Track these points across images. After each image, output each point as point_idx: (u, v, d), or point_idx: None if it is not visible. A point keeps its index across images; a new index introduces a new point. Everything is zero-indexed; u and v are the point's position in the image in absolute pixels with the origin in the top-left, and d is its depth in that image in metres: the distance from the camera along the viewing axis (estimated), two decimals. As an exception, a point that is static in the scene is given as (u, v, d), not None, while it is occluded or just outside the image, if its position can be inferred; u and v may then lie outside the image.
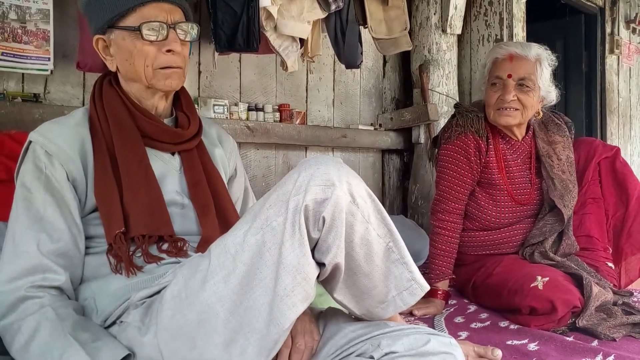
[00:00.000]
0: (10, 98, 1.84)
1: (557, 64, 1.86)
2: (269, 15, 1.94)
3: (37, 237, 1.03)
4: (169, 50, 1.12)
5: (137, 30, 1.10)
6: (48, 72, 1.81)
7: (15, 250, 1.03)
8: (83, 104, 2.03)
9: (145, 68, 1.13)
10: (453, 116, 1.93)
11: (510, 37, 3.03)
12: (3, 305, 1.00)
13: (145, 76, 1.14)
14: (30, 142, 1.10)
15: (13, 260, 1.02)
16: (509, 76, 1.77)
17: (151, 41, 1.11)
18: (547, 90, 1.83)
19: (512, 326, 1.60)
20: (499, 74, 1.79)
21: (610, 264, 1.86)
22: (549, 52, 1.85)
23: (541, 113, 1.87)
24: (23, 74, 1.87)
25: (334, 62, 2.91)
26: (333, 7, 2.10)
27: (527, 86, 1.77)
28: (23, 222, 1.04)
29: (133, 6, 1.10)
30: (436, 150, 2.00)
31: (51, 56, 1.77)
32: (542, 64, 1.79)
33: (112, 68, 1.18)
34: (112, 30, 1.13)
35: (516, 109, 1.78)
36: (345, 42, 2.21)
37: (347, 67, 2.32)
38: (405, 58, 3.18)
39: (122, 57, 1.14)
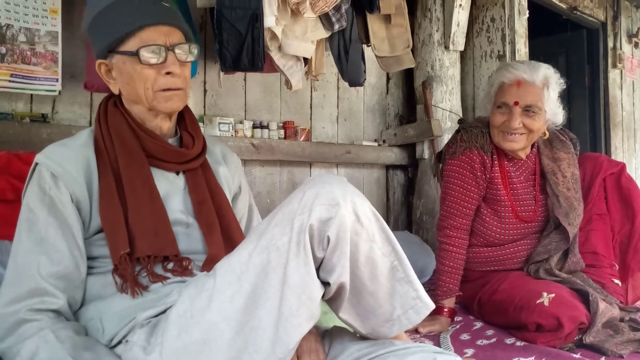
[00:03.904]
0: (18, 118, 1.86)
1: (565, 86, 1.83)
2: (274, 36, 1.97)
3: (38, 260, 1.04)
4: (168, 73, 1.13)
5: (136, 54, 1.11)
6: (56, 93, 1.84)
7: (16, 272, 1.04)
8: (90, 124, 2.06)
9: (146, 91, 1.14)
10: (457, 131, 1.92)
11: (513, 53, 3.05)
12: (1, 328, 1.00)
13: (146, 99, 1.15)
14: (36, 164, 1.11)
15: (13, 282, 1.03)
16: (516, 103, 1.75)
17: (150, 64, 1.12)
18: (554, 113, 1.82)
19: (518, 343, 1.58)
20: (505, 100, 1.77)
21: (616, 281, 1.83)
22: (558, 74, 1.82)
23: (547, 133, 1.86)
24: (31, 94, 1.90)
25: (338, 79, 2.94)
26: (336, 26, 2.12)
27: (533, 111, 1.75)
28: (25, 244, 1.05)
29: (132, 30, 1.12)
30: (440, 165, 1.99)
31: (59, 77, 1.80)
32: (549, 87, 1.77)
33: (115, 91, 1.19)
34: (113, 54, 1.15)
35: (522, 134, 1.77)
36: (348, 61, 2.23)
37: (350, 85, 2.34)
38: (408, 75, 3.20)
39: (124, 80, 1.16)
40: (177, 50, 1.14)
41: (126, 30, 1.12)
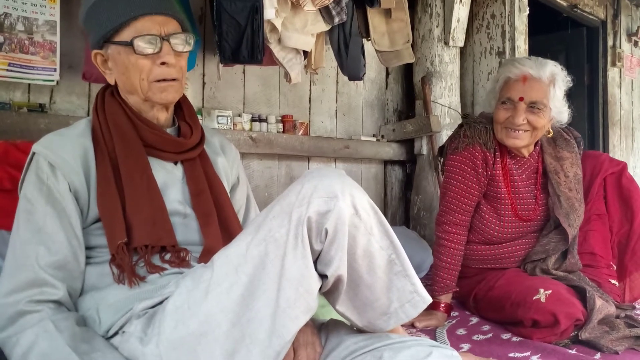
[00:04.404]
0: (16, 108, 1.85)
1: (571, 84, 1.80)
2: (273, 28, 1.96)
3: (36, 250, 1.03)
4: (163, 63, 1.12)
5: (130, 44, 1.10)
6: (54, 83, 1.83)
7: (15, 263, 1.04)
8: (88, 114, 2.05)
9: (141, 81, 1.13)
10: (460, 126, 1.90)
11: (513, 49, 3.05)
12: (1, 318, 1.00)
13: (141, 89, 1.14)
14: (33, 153, 1.11)
15: (12, 273, 1.03)
16: (521, 99, 1.72)
17: (145, 55, 1.11)
18: (559, 111, 1.79)
19: (514, 338, 1.59)
20: (510, 96, 1.75)
21: (613, 281, 1.83)
22: (565, 72, 1.80)
23: (552, 132, 1.84)
24: (29, 84, 1.89)
25: (337, 73, 2.93)
26: (336, 20, 2.12)
27: (538, 108, 1.73)
28: (23, 235, 1.05)
29: (126, 20, 1.10)
30: (442, 160, 1.97)
31: (57, 67, 1.79)
32: (555, 84, 1.74)
33: (111, 81, 1.19)
34: (108, 45, 1.14)
35: (526, 131, 1.75)
36: (348, 55, 2.23)
37: (350, 79, 2.34)
38: (407, 70, 3.20)
39: (119, 71, 1.15)
40: (172, 40, 1.13)
41: (121, 20, 1.11)
